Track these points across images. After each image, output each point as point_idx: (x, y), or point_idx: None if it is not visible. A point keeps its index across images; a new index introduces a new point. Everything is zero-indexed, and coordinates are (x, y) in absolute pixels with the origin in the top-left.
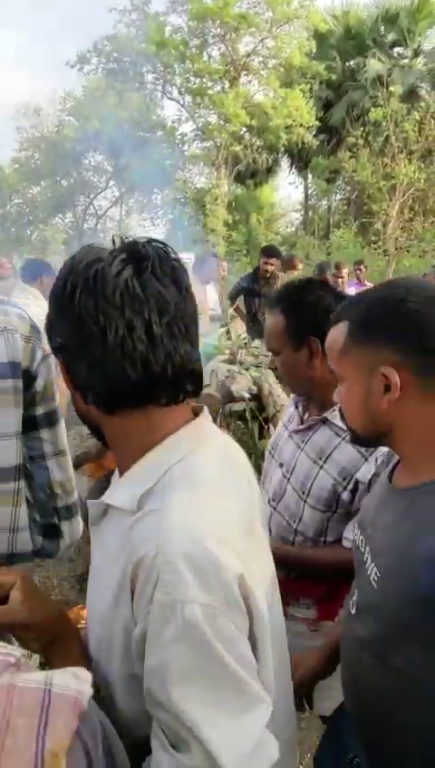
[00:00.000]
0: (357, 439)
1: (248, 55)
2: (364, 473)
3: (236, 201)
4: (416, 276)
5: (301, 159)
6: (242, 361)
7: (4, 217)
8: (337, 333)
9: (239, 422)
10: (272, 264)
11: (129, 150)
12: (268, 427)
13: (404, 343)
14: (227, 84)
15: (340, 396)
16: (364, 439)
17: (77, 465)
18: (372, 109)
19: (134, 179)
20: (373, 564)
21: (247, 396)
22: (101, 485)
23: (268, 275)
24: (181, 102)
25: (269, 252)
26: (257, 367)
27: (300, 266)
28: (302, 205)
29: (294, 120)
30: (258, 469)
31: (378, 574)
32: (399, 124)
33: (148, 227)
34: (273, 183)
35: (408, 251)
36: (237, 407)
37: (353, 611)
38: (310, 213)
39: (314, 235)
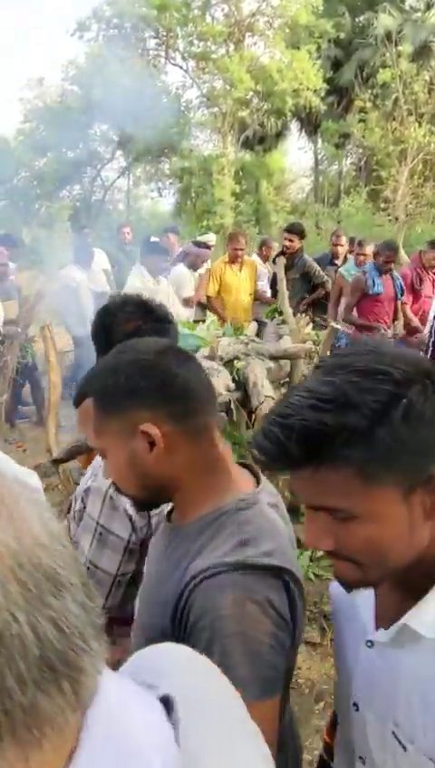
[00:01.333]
0: (141, 505)
1: (253, 15)
2: None
3: (244, 169)
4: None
5: (310, 123)
6: (222, 356)
7: (11, 191)
8: (86, 410)
9: (224, 414)
10: (291, 241)
11: (134, 119)
12: (254, 418)
13: (151, 398)
14: (231, 47)
15: (110, 470)
16: (147, 503)
17: (71, 457)
18: (381, 70)
19: (140, 149)
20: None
21: (225, 393)
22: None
23: (289, 252)
24: (185, 68)
25: (288, 228)
26: (247, 356)
27: (275, 246)
28: (312, 170)
29: (300, 84)
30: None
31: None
32: (408, 85)
33: (155, 198)
34: (282, 148)
35: (419, 217)
36: (222, 398)
37: None
38: (320, 179)
39: (324, 203)
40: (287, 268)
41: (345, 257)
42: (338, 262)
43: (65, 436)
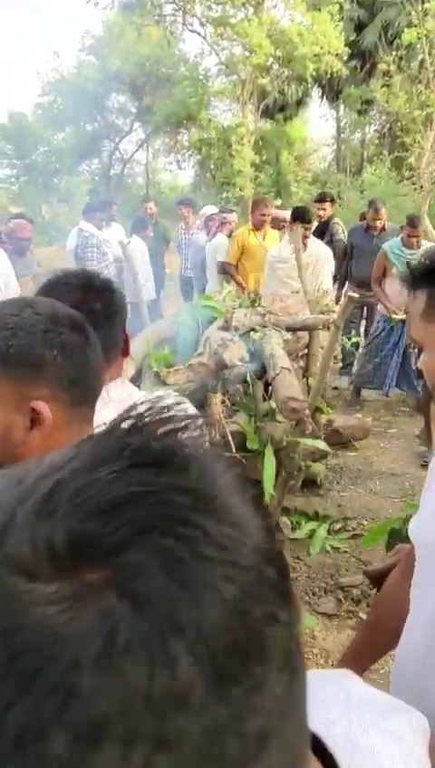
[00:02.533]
0: None
1: None
2: None
3: (264, 139)
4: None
5: (332, 90)
6: (237, 327)
7: (31, 167)
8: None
9: (239, 386)
10: (324, 209)
11: (151, 89)
12: (270, 390)
13: (55, 374)
14: (250, 11)
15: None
16: None
17: None
18: (406, 29)
19: (158, 120)
20: None
21: (239, 364)
22: None
23: (323, 221)
24: (203, 35)
25: (318, 199)
26: (263, 327)
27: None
28: (334, 139)
29: (322, 48)
30: (257, 430)
31: None
32: None
33: (174, 171)
34: (303, 116)
35: None
36: (236, 370)
37: None
38: (342, 148)
39: (347, 173)
40: (320, 234)
41: (383, 228)
42: (375, 233)
43: None
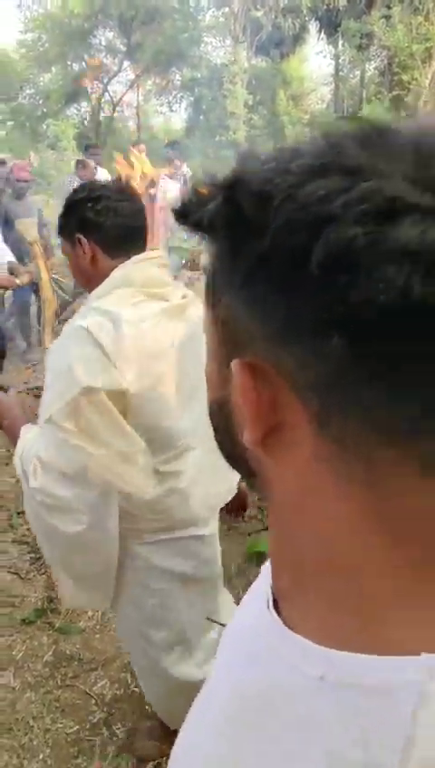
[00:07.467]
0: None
1: None
2: None
3: (259, 77)
4: None
5: (329, 23)
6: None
7: (17, 111)
8: None
9: None
10: None
11: (140, 25)
12: None
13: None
14: None
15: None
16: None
17: None
18: None
19: (148, 59)
20: None
21: None
22: None
23: None
24: None
25: None
26: None
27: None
28: (333, 77)
29: None
30: None
31: None
32: None
33: (166, 114)
34: (301, 54)
35: None
36: None
37: None
38: (341, 87)
39: (344, 112)
40: None
41: None
42: None
43: None
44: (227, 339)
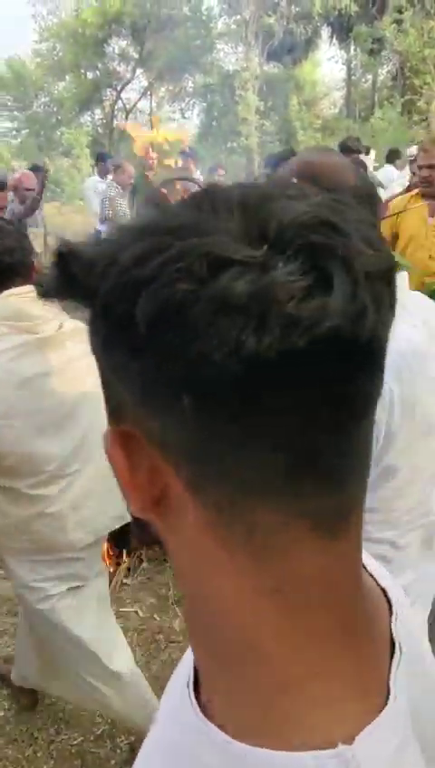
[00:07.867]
0: None
1: None
2: None
3: (271, 83)
4: None
5: (341, 28)
6: None
7: (32, 119)
8: None
9: None
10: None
11: (153, 32)
12: None
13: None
14: None
15: None
16: None
17: None
18: None
19: (161, 66)
20: None
21: None
22: None
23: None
24: None
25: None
26: None
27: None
28: (344, 82)
29: None
30: None
31: None
32: None
33: (179, 120)
34: (313, 59)
35: None
36: None
37: None
38: (353, 91)
39: (357, 117)
40: None
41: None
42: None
43: None
44: (108, 400)
